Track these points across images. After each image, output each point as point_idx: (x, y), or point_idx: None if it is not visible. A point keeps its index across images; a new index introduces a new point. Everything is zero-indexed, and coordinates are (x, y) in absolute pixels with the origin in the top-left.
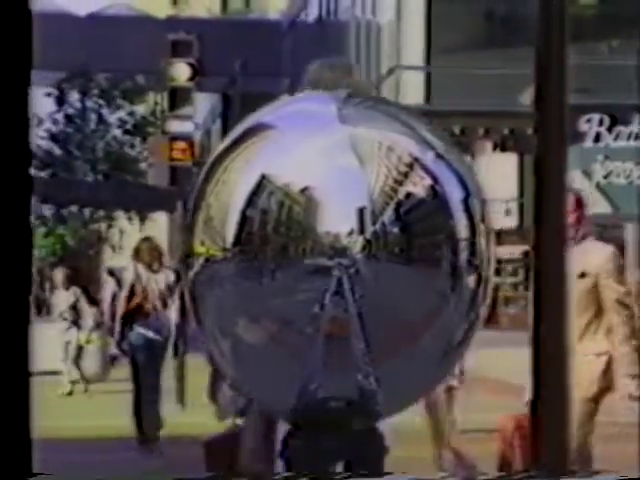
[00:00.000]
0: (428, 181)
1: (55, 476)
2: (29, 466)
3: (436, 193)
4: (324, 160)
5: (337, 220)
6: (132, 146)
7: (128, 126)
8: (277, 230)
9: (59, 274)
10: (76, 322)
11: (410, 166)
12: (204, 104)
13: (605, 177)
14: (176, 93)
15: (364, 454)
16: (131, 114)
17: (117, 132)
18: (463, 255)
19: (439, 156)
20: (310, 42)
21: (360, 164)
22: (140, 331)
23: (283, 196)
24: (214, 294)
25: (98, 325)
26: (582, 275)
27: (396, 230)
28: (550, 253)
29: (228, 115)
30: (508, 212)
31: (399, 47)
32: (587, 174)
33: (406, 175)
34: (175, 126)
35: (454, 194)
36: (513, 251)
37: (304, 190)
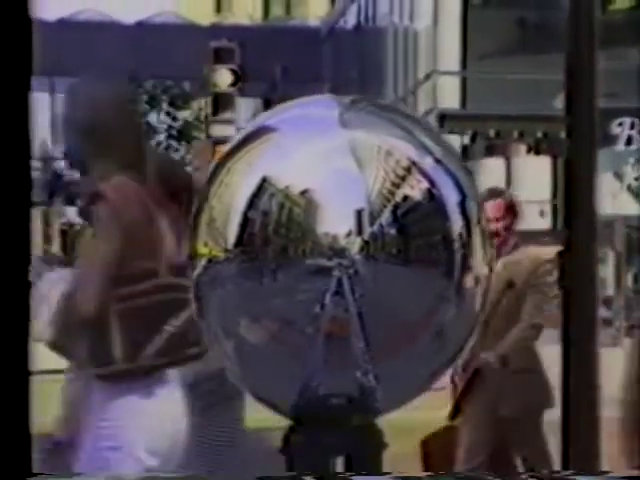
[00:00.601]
0: (425, 184)
1: (55, 476)
2: (29, 466)
3: (433, 196)
4: (324, 163)
5: (336, 222)
6: (177, 150)
7: (173, 131)
8: (277, 231)
9: None
10: None
11: (408, 170)
12: (246, 109)
13: (636, 179)
14: (219, 98)
15: (363, 449)
16: (176, 119)
17: (162, 137)
18: (459, 255)
19: (437, 161)
20: (349, 48)
21: (359, 167)
22: None
23: (283, 198)
24: (217, 294)
25: None
26: (510, 285)
27: (393, 231)
28: (580, 253)
29: None
30: (542, 213)
31: (436, 53)
32: (619, 176)
33: (404, 178)
34: (218, 130)
35: (450, 197)
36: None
37: (304, 192)
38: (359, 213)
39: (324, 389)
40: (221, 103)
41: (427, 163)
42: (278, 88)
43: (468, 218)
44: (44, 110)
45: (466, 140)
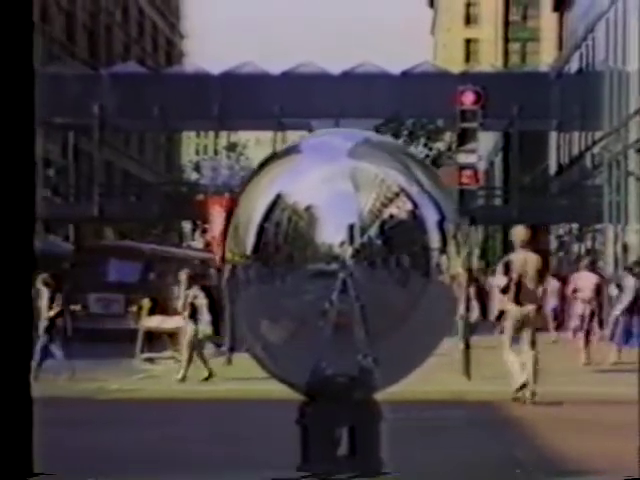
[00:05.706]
0: (410, 206)
1: (55, 476)
2: (29, 466)
3: (415, 215)
4: (327, 185)
5: (332, 233)
6: None
7: (428, 159)
8: (286, 241)
9: (183, 275)
10: (194, 317)
11: (397, 194)
12: (488, 141)
13: None
14: (466, 132)
15: (364, 420)
16: (431, 149)
17: None
18: (435, 261)
19: (423, 189)
20: (573, 89)
21: (355, 190)
22: None
23: (291, 212)
24: (242, 297)
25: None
26: None
27: (380, 242)
28: None
29: (508, 149)
30: None
31: None
32: None
33: (392, 200)
34: (463, 158)
35: (431, 217)
36: None
37: (308, 208)
38: (351, 227)
39: (331, 370)
40: (466, 136)
41: (414, 190)
42: (515, 123)
43: (445, 232)
44: None
45: None
